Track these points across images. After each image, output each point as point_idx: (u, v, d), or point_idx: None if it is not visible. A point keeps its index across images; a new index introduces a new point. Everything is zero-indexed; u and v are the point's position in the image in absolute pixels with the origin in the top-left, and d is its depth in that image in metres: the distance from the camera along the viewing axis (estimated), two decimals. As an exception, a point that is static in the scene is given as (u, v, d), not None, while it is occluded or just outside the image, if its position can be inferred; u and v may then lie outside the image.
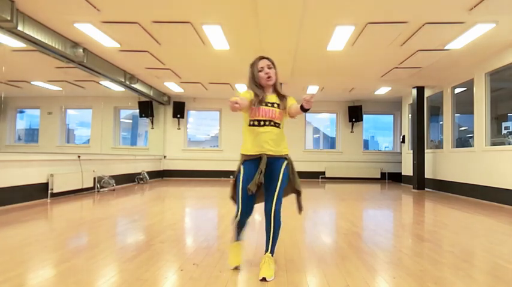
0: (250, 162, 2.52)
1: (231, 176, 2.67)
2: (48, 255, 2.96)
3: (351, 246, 3.33)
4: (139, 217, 4.93)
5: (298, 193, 2.68)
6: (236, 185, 2.56)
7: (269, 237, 2.46)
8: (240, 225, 2.59)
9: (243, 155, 2.58)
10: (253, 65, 2.62)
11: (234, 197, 2.63)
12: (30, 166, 5.84)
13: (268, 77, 2.56)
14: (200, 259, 2.80)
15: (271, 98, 2.60)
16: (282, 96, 2.62)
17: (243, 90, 2.72)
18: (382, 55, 7.07)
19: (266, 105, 2.54)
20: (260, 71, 2.57)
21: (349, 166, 12.50)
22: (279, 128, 2.56)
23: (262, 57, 2.61)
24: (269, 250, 2.46)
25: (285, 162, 2.56)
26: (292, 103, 2.59)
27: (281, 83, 2.68)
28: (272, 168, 2.51)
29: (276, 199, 2.46)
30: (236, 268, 2.56)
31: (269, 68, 2.57)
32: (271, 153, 2.51)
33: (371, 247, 3.34)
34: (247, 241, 3.64)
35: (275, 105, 2.57)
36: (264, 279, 2.32)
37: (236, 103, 2.21)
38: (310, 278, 2.43)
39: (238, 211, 2.51)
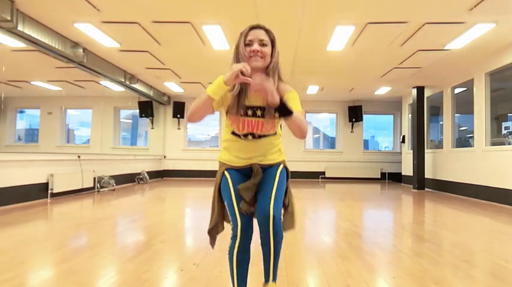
0: None
1: None
2: (48, 255, 2.96)
3: (351, 246, 3.33)
4: (140, 217, 4.93)
5: None
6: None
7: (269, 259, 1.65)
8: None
9: None
10: (240, 36, 1.68)
11: None
12: (30, 166, 5.84)
13: (251, 56, 1.62)
14: (200, 259, 2.80)
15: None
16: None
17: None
18: (382, 55, 7.06)
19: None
20: (247, 44, 1.65)
21: (349, 166, 12.50)
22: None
23: (255, 27, 1.67)
24: (271, 278, 1.66)
25: None
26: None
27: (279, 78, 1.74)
28: None
29: None
30: None
31: (262, 44, 1.64)
32: None
33: (371, 247, 3.34)
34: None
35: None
36: None
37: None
38: (310, 278, 2.43)
39: None
